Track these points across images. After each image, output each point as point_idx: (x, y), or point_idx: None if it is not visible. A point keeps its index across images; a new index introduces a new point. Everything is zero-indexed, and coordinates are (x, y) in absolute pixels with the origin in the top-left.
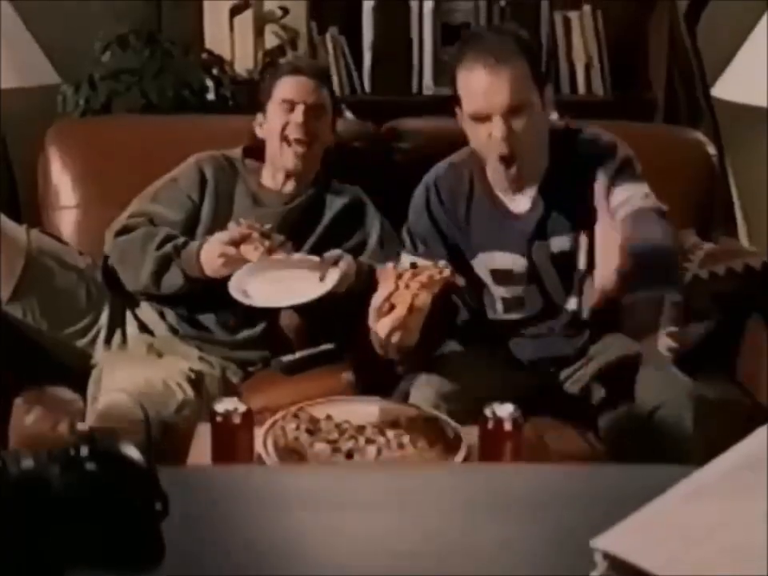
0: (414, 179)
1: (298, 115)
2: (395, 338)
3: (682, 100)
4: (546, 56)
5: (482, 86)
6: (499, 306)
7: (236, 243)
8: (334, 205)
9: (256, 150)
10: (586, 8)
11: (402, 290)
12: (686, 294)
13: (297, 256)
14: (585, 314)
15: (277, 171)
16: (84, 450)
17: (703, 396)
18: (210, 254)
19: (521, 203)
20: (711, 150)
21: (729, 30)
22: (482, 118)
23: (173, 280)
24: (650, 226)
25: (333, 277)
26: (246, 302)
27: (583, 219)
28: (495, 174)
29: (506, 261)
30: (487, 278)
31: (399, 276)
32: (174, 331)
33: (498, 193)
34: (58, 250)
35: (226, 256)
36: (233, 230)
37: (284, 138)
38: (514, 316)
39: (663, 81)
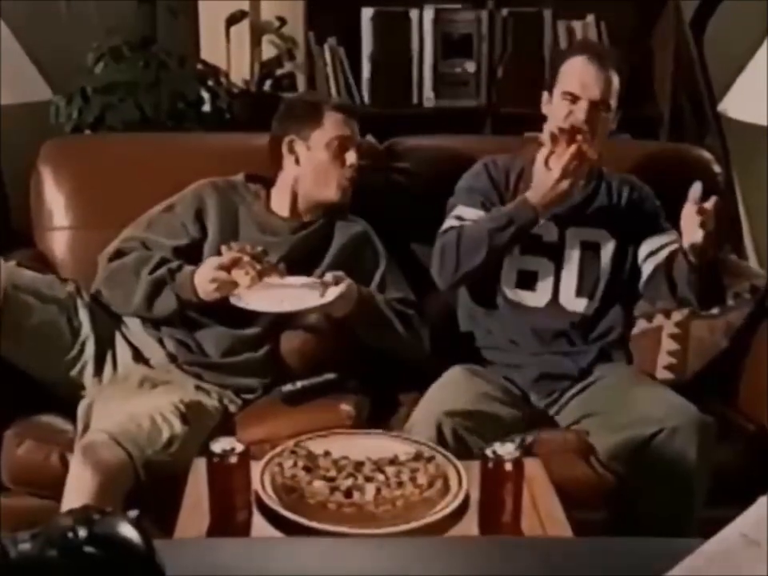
0: (414, 200)
1: (352, 156)
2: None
3: (687, 114)
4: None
5: (583, 72)
6: (513, 277)
7: (227, 268)
8: (342, 238)
9: (258, 176)
10: (590, 18)
11: (580, 141)
12: (684, 326)
13: (297, 278)
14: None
15: (316, 200)
16: (82, 533)
17: (707, 422)
18: (203, 278)
19: None
20: (716, 168)
21: (736, 43)
22: (571, 99)
23: (166, 303)
24: None
25: (333, 292)
26: (243, 306)
27: (616, 227)
28: None
29: (540, 227)
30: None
31: (573, 136)
32: (172, 358)
33: None
34: (34, 283)
35: (217, 281)
36: (224, 254)
37: (333, 174)
38: (522, 297)
39: (669, 93)
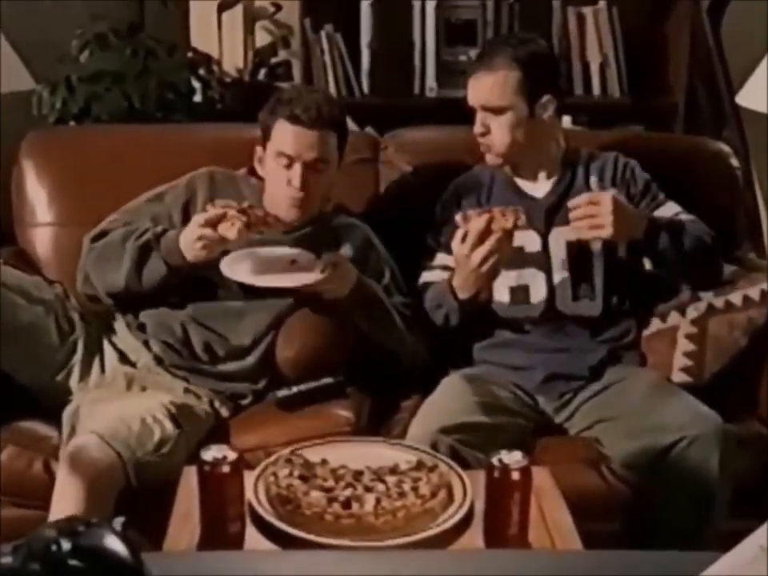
0: (415, 196)
1: (295, 177)
2: (489, 264)
3: (704, 105)
4: (558, 55)
5: (470, 91)
6: (506, 296)
7: (213, 224)
8: (344, 243)
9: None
10: (601, 3)
11: (498, 217)
12: (701, 325)
13: (293, 250)
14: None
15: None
16: (66, 545)
17: (731, 431)
18: (189, 236)
19: (540, 189)
20: (734, 161)
21: (755, 31)
22: (473, 113)
23: (154, 270)
24: (700, 227)
25: (325, 273)
26: (229, 275)
27: None
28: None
29: (521, 237)
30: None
31: (488, 211)
32: (158, 361)
33: (517, 180)
34: (22, 284)
35: (204, 238)
36: (209, 210)
37: (279, 192)
38: (517, 311)
39: (684, 83)
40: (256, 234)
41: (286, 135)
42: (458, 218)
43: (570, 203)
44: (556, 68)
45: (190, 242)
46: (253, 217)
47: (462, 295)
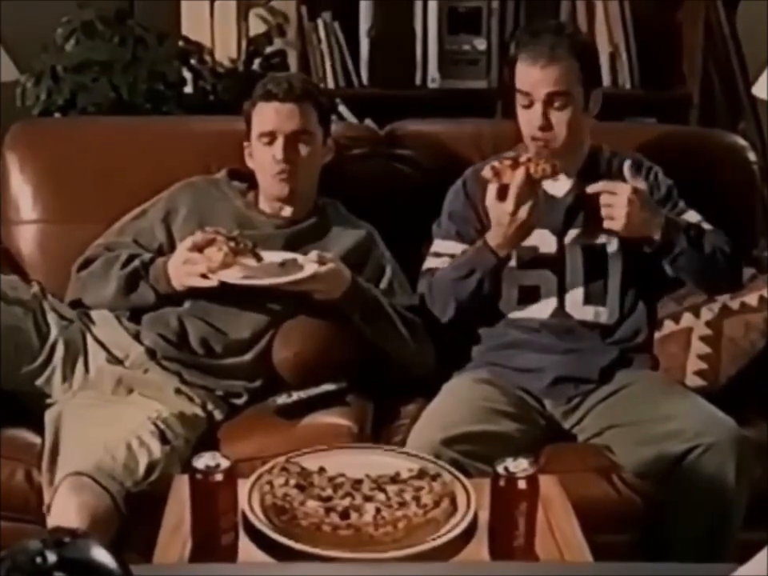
0: (417, 191)
1: (277, 150)
2: (534, 214)
3: (719, 96)
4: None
5: (531, 80)
6: (514, 294)
7: (201, 248)
8: (343, 241)
9: (242, 172)
10: None
11: (532, 166)
12: (716, 327)
13: (276, 254)
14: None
15: (272, 199)
16: (51, 558)
17: (747, 438)
18: (176, 260)
19: (560, 187)
20: (751, 155)
21: None
22: (527, 105)
23: (142, 297)
24: (720, 236)
25: (310, 269)
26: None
27: None
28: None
29: (535, 237)
30: (512, 258)
31: (516, 161)
32: (151, 354)
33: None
34: None
35: (190, 262)
36: (196, 235)
37: (269, 171)
38: (525, 312)
39: (698, 73)
40: (243, 259)
41: (264, 114)
42: (486, 172)
43: (589, 188)
44: (598, 62)
45: (177, 264)
46: (241, 244)
47: (503, 252)
